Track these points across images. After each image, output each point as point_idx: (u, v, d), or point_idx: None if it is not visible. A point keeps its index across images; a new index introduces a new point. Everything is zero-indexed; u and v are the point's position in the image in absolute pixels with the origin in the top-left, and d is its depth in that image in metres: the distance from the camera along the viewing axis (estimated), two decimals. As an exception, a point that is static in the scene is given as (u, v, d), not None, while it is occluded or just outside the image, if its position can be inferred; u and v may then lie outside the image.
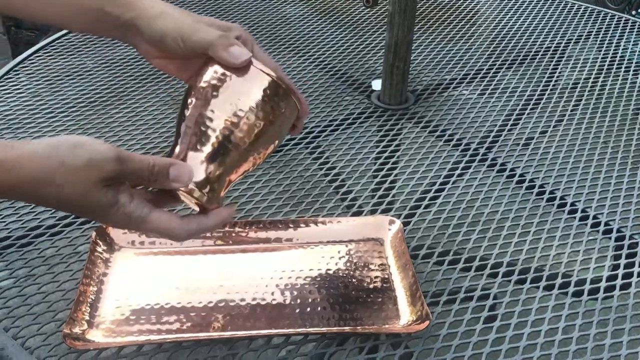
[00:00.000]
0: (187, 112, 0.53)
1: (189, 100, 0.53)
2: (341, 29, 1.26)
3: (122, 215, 0.49)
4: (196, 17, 0.56)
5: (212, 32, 0.54)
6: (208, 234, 0.71)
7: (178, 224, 0.51)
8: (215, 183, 0.52)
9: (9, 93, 0.99)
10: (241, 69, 0.52)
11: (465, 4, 1.39)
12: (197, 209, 0.54)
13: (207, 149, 0.52)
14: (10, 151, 0.46)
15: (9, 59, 2.45)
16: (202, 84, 0.53)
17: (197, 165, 0.52)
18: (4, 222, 0.74)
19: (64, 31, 1.18)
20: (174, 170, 0.50)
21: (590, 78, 1.11)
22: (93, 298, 0.63)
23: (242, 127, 0.52)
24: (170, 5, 0.57)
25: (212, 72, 0.53)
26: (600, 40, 1.24)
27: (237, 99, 0.52)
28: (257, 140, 0.53)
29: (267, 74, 0.53)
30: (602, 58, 1.17)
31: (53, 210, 0.76)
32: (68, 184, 0.46)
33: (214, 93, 0.52)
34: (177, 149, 0.53)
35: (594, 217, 0.78)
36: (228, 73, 0.52)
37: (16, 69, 1.05)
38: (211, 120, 0.52)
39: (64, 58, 1.10)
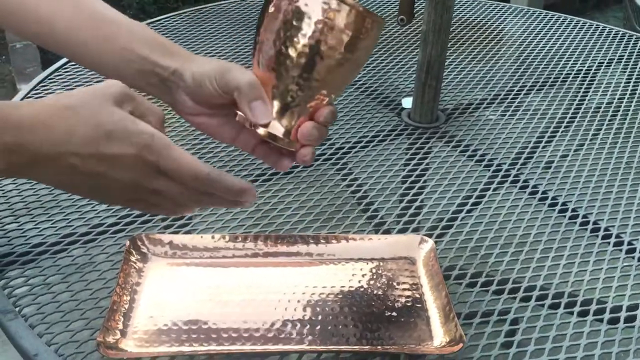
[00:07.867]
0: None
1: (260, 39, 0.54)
2: (371, 46, 1.26)
3: (146, 144, 0.48)
4: (227, 63, 0.58)
5: (245, 75, 0.54)
6: (240, 248, 0.71)
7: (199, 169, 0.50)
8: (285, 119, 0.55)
9: (43, 100, 1.01)
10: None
11: (495, 24, 1.39)
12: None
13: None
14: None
15: (38, 66, 2.49)
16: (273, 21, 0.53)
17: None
18: (39, 228, 0.75)
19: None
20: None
21: (623, 101, 1.10)
22: (126, 307, 0.63)
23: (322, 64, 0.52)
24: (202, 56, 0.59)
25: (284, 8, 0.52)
26: (632, 64, 1.23)
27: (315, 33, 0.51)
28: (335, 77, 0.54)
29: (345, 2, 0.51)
30: (634, 82, 1.17)
31: (86, 218, 0.76)
32: (77, 118, 0.47)
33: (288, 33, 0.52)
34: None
35: (629, 243, 0.77)
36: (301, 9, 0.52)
37: (51, 77, 1.06)
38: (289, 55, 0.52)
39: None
